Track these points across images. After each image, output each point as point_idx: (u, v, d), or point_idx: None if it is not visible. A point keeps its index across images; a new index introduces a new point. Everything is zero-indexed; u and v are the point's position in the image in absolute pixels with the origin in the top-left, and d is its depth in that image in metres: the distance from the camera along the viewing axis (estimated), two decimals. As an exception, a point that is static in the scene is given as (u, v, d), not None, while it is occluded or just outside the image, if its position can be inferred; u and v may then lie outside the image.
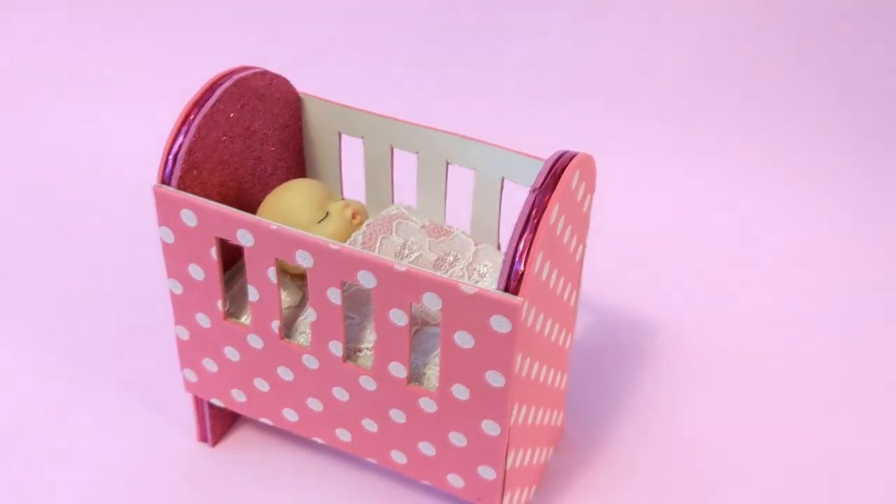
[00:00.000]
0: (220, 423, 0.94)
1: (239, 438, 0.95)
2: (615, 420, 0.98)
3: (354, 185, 0.99)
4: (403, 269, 0.69)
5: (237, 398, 0.86)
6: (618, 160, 0.98)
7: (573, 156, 0.73)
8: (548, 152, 0.82)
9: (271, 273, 0.75)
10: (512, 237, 0.68)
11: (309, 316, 0.78)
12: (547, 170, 0.71)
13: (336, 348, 0.77)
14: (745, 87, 1.32)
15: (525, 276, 0.67)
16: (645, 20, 1.34)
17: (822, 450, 0.95)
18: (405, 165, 0.93)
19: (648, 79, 1.35)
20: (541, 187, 0.70)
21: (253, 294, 0.78)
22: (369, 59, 1.45)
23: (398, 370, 0.75)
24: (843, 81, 1.30)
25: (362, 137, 0.90)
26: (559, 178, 0.71)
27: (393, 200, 0.92)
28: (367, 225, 0.83)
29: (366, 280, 0.71)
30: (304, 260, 0.73)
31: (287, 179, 0.92)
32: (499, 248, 0.88)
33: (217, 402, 0.88)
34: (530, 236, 0.68)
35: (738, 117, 1.32)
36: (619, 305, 1.12)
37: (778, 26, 1.30)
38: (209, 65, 1.37)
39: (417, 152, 0.88)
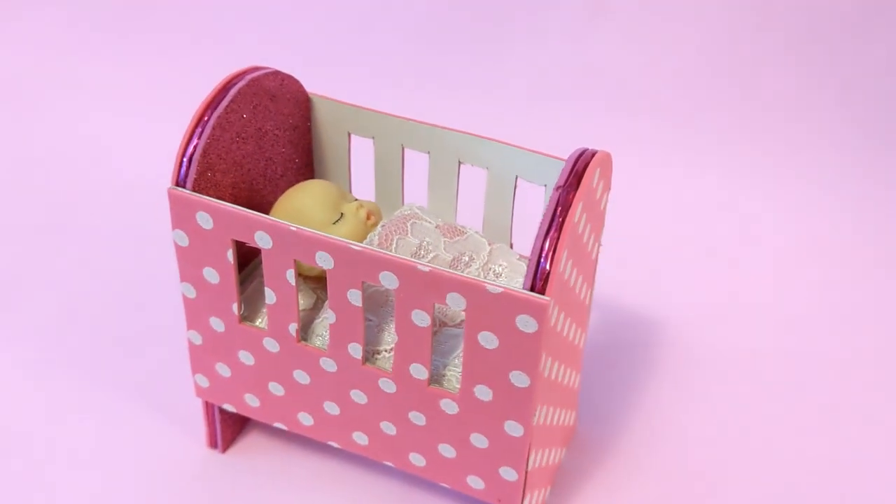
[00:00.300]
0: (230, 429, 0.92)
1: (249, 444, 0.93)
2: (623, 418, 0.98)
3: (364, 186, 0.98)
4: (427, 269, 0.68)
5: (250, 403, 0.85)
6: (617, 160, 0.98)
7: (594, 153, 0.73)
8: (549, 153, 0.82)
9: (290, 275, 0.74)
10: (537, 236, 0.68)
11: (327, 318, 0.77)
12: (570, 168, 0.71)
13: (355, 350, 0.76)
14: (745, 87, 1.33)
15: (551, 276, 0.67)
16: (645, 20, 1.33)
17: (824, 446, 0.96)
18: (413, 165, 0.93)
19: (648, 79, 1.35)
20: (564, 185, 0.70)
21: (270, 297, 0.77)
22: (369, 61, 1.44)
23: (419, 372, 0.74)
24: (844, 81, 1.30)
25: (372, 138, 0.89)
26: (582, 176, 0.71)
27: (403, 201, 0.92)
28: (382, 226, 0.82)
29: (388, 281, 0.70)
30: (324, 261, 0.72)
31: (297, 181, 0.91)
32: (511, 247, 0.88)
33: (229, 408, 0.87)
34: (556, 235, 0.68)
35: (738, 117, 1.33)
36: (620, 304, 1.12)
37: (778, 26, 1.30)
38: (208, 65, 1.35)
39: (429, 152, 0.87)
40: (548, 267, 0.67)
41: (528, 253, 0.92)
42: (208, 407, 0.89)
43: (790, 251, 1.21)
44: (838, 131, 1.30)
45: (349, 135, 0.90)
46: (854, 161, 1.29)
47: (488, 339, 0.70)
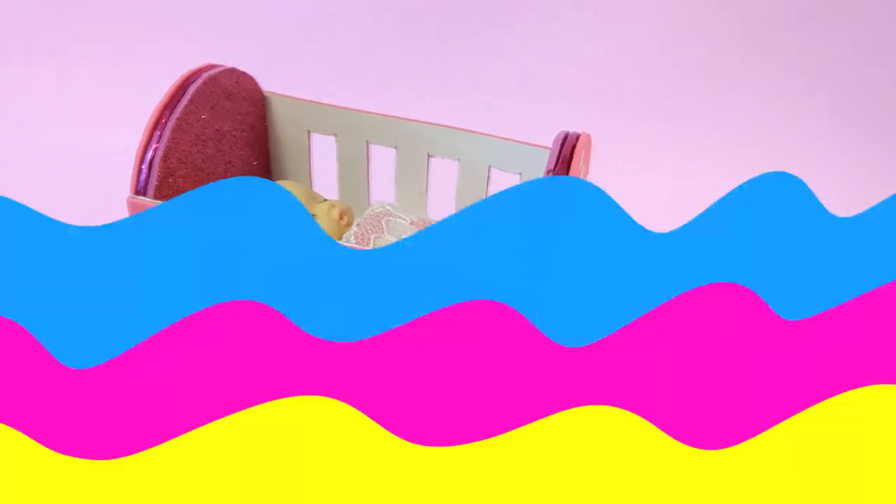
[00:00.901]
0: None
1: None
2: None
3: (326, 186, 0.93)
4: (420, 265, 0.65)
5: (225, 421, 0.80)
6: (616, 159, 0.97)
7: (577, 136, 0.71)
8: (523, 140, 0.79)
9: (267, 282, 0.70)
10: (533, 223, 0.65)
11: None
12: (557, 151, 0.69)
13: (341, 357, 0.72)
14: (744, 86, 1.32)
15: (550, 263, 0.64)
16: (643, 19, 1.31)
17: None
18: (377, 162, 0.89)
19: (646, 78, 1.33)
20: (555, 169, 0.67)
21: (245, 306, 0.72)
22: (323, 63, 1.37)
23: (411, 374, 0.71)
24: (844, 81, 1.31)
25: (335, 135, 0.85)
26: (570, 158, 0.68)
27: (369, 199, 0.88)
28: (357, 225, 0.78)
29: (376, 280, 0.67)
30: (305, 264, 0.68)
31: (257, 184, 0.86)
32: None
33: (201, 428, 0.81)
34: (552, 221, 0.65)
35: (738, 116, 1.31)
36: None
37: (778, 26, 1.30)
38: (151, 65, 1.26)
39: (396, 147, 0.84)
40: (546, 254, 0.64)
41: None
42: (177, 430, 0.84)
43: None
44: (837, 130, 1.31)
45: (309, 133, 0.86)
46: (854, 161, 1.29)
47: (486, 334, 0.67)
